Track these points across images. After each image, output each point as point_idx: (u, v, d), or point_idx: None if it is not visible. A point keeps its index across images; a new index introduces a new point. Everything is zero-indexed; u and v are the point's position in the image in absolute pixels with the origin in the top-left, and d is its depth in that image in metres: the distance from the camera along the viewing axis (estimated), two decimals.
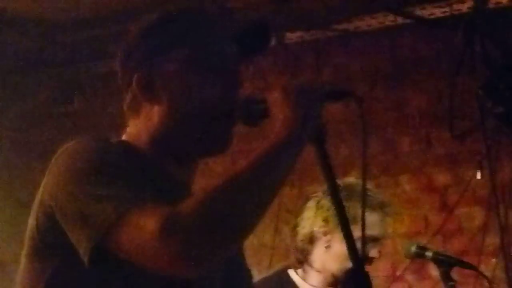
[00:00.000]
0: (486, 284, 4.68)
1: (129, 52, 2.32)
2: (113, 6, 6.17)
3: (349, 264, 3.52)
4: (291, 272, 3.88)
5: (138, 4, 6.00)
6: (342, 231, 2.24)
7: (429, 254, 3.89)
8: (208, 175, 6.38)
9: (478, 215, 6.00)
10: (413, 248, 3.93)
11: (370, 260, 3.80)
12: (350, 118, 6.26)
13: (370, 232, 3.75)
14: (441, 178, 6.20)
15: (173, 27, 2.32)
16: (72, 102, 6.96)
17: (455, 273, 3.98)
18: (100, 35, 5.85)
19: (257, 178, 2.01)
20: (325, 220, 3.75)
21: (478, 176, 5.78)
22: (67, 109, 6.98)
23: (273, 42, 6.44)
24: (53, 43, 6.70)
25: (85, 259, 2.02)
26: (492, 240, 5.84)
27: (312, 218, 3.76)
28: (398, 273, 5.89)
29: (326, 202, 3.70)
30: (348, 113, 6.17)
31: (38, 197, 2.17)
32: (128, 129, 2.33)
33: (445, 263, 3.87)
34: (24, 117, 7.08)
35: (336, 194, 2.21)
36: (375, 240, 3.81)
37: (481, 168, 5.78)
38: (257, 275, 6.22)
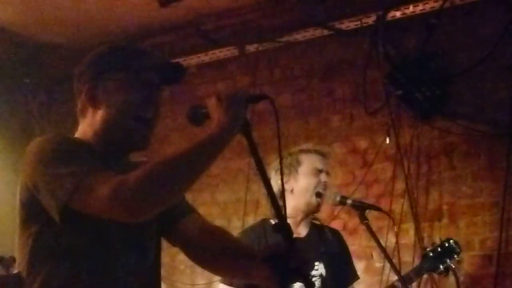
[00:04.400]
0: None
1: (81, 72, 2.46)
2: (132, 31, 6.46)
3: (312, 197, 3.91)
4: (272, 221, 3.88)
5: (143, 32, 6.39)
6: (268, 197, 2.31)
7: (349, 201, 3.97)
8: None
9: (389, 168, 6.07)
10: (338, 198, 4.00)
11: (320, 195, 3.95)
12: (296, 105, 6.61)
13: (312, 166, 3.98)
14: (362, 143, 6.26)
15: (112, 57, 2.45)
16: None
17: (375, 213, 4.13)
18: None
19: (193, 158, 2.12)
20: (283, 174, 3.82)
21: (387, 141, 6.02)
22: None
23: (237, 52, 6.64)
24: None
25: (56, 218, 2.16)
26: (400, 186, 5.98)
27: (274, 178, 3.77)
28: (335, 213, 5.98)
29: (278, 164, 3.61)
30: (294, 100, 6.59)
31: (20, 179, 2.30)
32: (78, 128, 2.47)
33: (360, 207, 3.92)
34: (64, 116, 6.95)
35: (261, 168, 2.30)
36: (320, 170, 3.99)
37: (389, 135, 6.01)
38: (236, 221, 6.44)
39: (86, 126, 2.44)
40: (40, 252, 2.28)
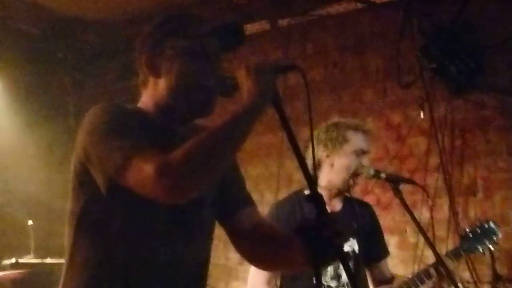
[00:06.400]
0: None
1: (141, 43, 2.45)
2: (163, 5, 6.31)
3: (348, 175, 3.82)
4: (306, 192, 3.79)
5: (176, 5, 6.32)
6: (301, 168, 2.24)
7: (383, 175, 3.84)
8: None
9: (423, 143, 6.06)
10: (371, 171, 3.88)
11: (357, 176, 3.88)
12: (329, 79, 6.52)
13: (358, 146, 3.88)
14: (395, 117, 6.27)
15: (170, 25, 2.43)
16: (131, 79, 7.06)
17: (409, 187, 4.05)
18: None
19: (229, 132, 2.12)
20: (325, 146, 3.83)
21: (421, 115, 6.01)
22: (126, 85, 7.06)
23: (269, 26, 6.64)
24: (116, 39, 7.09)
25: (103, 190, 2.20)
26: (434, 160, 5.96)
27: (316, 148, 3.77)
28: (369, 188, 5.99)
29: (322, 134, 3.82)
30: (327, 75, 6.55)
31: (75, 147, 2.31)
32: (141, 99, 2.49)
33: (395, 180, 3.80)
34: (98, 90, 7.25)
35: (292, 138, 2.24)
36: (364, 152, 3.92)
37: (423, 109, 5.99)
38: (269, 196, 6.44)
39: (148, 96, 2.45)
40: (86, 222, 2.31)
